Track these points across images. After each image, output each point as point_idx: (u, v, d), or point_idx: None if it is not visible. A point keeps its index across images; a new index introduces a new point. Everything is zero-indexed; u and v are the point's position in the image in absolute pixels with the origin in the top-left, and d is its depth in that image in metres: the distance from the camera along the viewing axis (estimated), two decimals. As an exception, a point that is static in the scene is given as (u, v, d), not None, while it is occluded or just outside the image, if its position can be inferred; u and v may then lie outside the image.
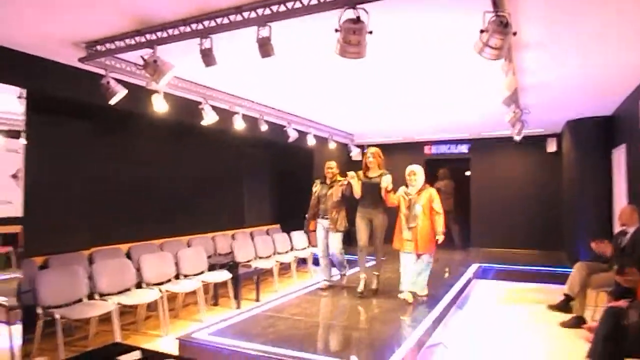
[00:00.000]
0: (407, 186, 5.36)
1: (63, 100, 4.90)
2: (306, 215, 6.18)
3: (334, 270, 6.28)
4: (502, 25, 2.92)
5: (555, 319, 5.29)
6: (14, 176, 5.28)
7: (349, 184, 5.57)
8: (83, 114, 5.46)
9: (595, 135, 7.99)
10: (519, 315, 5.68)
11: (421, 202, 5.19)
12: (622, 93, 6.24)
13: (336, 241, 5.90)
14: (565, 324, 5.07)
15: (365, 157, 5.64)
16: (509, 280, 7.61)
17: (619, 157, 7.18)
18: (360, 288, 5.60)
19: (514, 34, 2.96)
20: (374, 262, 5.90)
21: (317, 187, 6.09)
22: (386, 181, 5.28)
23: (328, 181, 5.99)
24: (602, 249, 5.02)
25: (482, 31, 3.02)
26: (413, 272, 5.28)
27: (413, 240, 5.19)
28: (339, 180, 5.86)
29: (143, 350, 3.13)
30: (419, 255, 5.23)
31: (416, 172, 5.33)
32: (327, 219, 5.93)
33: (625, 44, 4.27)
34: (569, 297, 5.31)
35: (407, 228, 5.22)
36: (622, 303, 3.77)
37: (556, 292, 5.98)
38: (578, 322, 5.01)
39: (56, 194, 5.40)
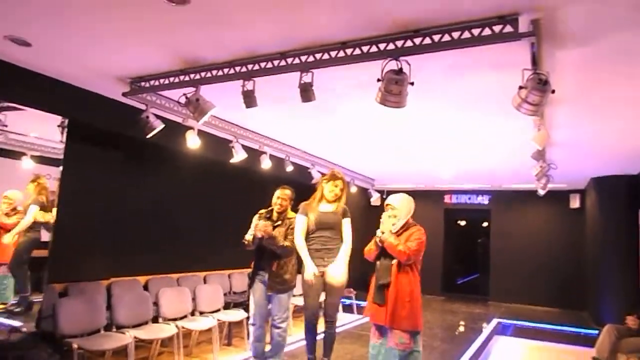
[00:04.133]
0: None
1: (101, 131, 5.06)
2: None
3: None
4: (542, 83, 2.98)
5: (583, 383, 5.07)
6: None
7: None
8: (117, 145, 5.60)
9: (621, 193, 7.89)
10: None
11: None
12: (651, 153, 6.22)
13: (283, 307, 4.26)
14: (594, 390, 4.85)
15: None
16: (531, 339, 7.33)
17: (646, 217, 7.07)
18: None
19: (553, 91, 3.00)
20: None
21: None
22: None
23: (275, 215, 4.35)
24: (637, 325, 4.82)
25: (521, 87, 3.07)
26: None
27: (384, 306, 3.44)
28: (290, 218, 4.31)
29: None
30: (392, 332, 3.42)
31: (394, 206, 3.59)
32: (267, 272, 4.27)
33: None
34: (597, 361, 5.10)
35: (378, 287, 3.52)
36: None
37: (582, 355, 5.74)
38: (608, 389, 4.78)
39: (82, 222, 5.46)
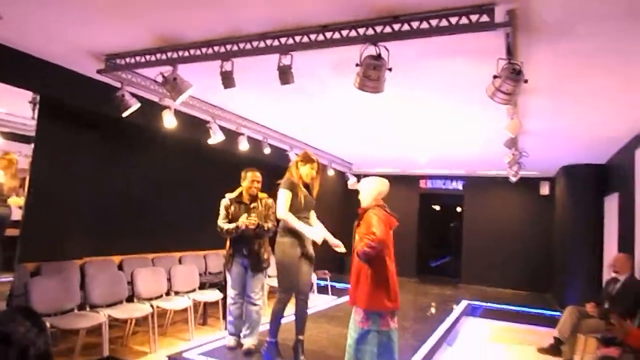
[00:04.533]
0: None
1: (74, 108, 4.94)
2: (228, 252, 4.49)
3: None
4: (515, 73, 3.05)
5: (544, 362, 5.31)
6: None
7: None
8: (91, 124, 5.49)
9: (589, 181, 8.18)
10: (509, 356, 5.68)
11: (360, 230, 3.49)
12: (617, 143, 6.45)
13: (260, 285, 4.46)
14: (554, 368, 5.10)
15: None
16: (498, 320, 7.62)
17: (611, 204, 7.35)
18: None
19: (526, 81, 3.09)
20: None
21: (230, 209, 4.38)
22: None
23: (247, 198, 4.43)
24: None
25: (495, 77, 3.14)
26: (349, 343, 3.51)
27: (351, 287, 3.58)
28: (262, 198, 4.46)
29: (138, 366, 3.09)
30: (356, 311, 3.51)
31: (359, 189, 3.68)
32: (246, 253, 4.39)
33: (624, 98, 4.47)
34: (559, 340, 5.35)
35: None
36: (614, 351, 3.83)
37: (545, 335, 6.01)
38: (567, 367, 5.04)
39: (54, 201, 5.36)
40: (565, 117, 5.31)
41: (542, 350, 5.64)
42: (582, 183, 8.30)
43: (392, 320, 3.50)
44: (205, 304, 6.13)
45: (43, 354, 0.62)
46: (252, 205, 4.37)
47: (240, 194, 4.44)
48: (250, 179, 4.40)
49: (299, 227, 3.89)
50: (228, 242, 4.50)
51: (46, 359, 0.63)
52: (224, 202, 4.43)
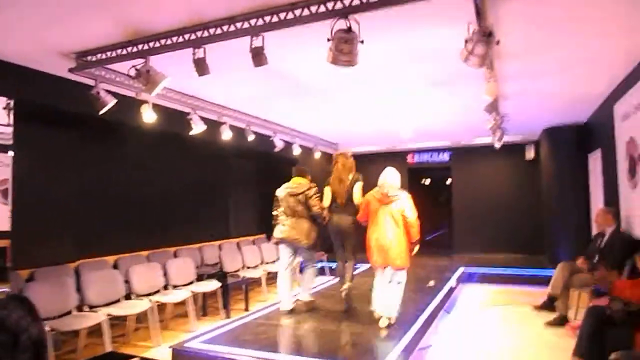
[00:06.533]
0: None
1: (51, 110, 4.87)
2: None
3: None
4: (486, 35, 3.07)
5: (540, 318, 5.44)
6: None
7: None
8: (70, 123, 5.43)
9: (571, 141, 8.27)
10: (506, 316, 5.81)
11: None
12: (596, 100, 6.52)
13: None
14: (550, 323, 5.23)
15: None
16: (494, 284, 7.77)
17: (595, 162, 7.46)
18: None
19: (497, 42, 3.10)
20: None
21: None
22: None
23: None
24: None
25: (466, 41, 3.16)
26: None
27: None
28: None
29: (140, 359, 3.13)
30: None
31: None
32: None
33: (598, 54, 4.51)
34: (552, 297, 5.48)
35: None
36: (604, 301, 3.93)
37: (540, 294, 6.14)
38: (562, 321, 5.17)
39: (41, 206, 5.33)
40: (542, 78, 5.33)
41: (537, 308, 5.78)
42: (565, 144, 8.39)
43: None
44: (204, 294, 6.17)
45: (36, 341, 0.63)
46: None
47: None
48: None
49: None
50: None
51: (40, 346, 0.64)
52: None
